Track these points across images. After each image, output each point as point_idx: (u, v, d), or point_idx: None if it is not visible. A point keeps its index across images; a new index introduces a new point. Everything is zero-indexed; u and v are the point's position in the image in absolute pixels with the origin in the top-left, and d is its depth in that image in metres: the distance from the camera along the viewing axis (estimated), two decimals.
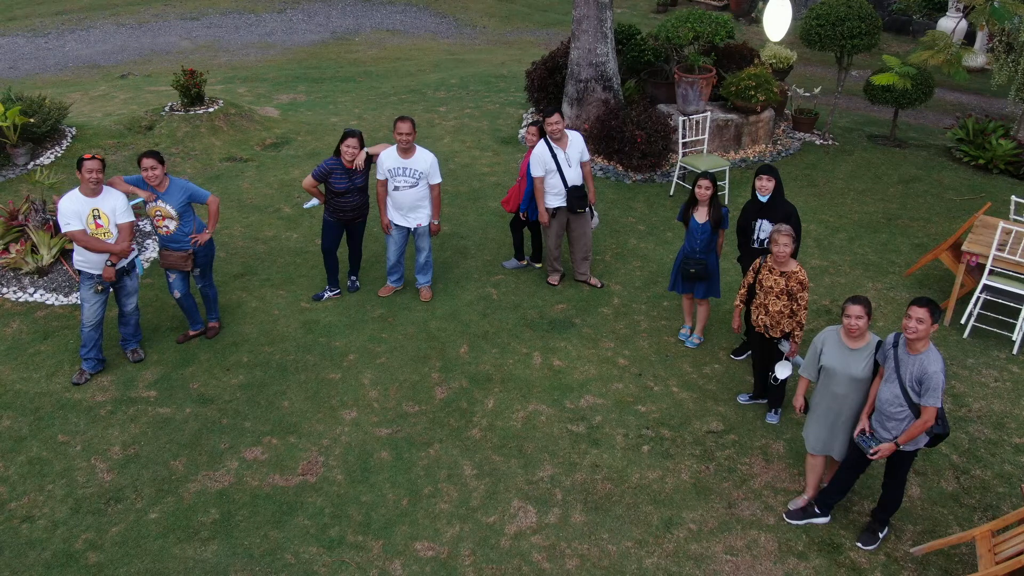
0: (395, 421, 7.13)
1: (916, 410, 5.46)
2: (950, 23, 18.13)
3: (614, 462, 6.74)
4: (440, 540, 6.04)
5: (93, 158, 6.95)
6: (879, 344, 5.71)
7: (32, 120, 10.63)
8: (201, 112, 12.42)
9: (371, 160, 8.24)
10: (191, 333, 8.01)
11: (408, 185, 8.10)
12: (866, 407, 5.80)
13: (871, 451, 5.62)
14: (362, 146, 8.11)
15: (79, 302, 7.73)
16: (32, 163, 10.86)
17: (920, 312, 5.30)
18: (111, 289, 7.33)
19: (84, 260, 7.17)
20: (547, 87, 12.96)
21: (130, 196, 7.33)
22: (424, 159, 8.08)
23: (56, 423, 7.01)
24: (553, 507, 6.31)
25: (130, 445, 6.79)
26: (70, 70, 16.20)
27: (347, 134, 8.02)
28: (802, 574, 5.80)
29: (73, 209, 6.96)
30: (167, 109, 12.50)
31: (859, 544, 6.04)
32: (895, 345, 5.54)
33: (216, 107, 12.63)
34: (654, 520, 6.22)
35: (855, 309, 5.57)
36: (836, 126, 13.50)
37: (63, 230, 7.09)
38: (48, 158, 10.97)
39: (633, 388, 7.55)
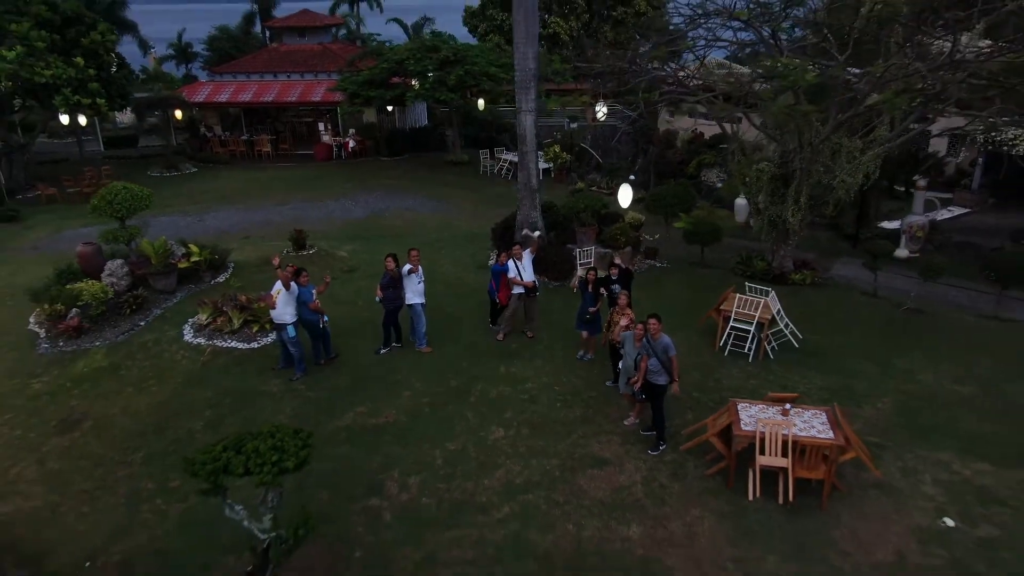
0: (431, 395, 9.76)
1: (666, 368, 8.25)
2: (742, 201, 21.85)
3: (542, 410, 9.43)
4: (457, 443, 8.66)
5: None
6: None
7: (216, 256, 13.62)
8: (304, 253, 15.32)
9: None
10: (322, 361, 10.52)
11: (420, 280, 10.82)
12: (638, 375, 8.32)
13: (635, 390, 8.39)
14: (397, 263, 10.73)
15: (285, 341, 10.03)
16: (212, 280, 13.66)
17: (652, 320, 8.18)
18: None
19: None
20: (504, 237, 15.44)
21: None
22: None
23: (254, 402, 9.55)
24: (512, 428, 8.98)
25: (294, 410, 9.40)
26: (210, 235, 19.00)
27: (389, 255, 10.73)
28: (632, 451, 8.50)
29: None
30: (285, 252, 15.32)
31: (650, 451, 8.46)
32: (648, 341, 8.28)
33: (313, 250, 15.50)
34: (561, 432, 8.90)
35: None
36: (668, 256, 16.05)
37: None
38: (222, 277, 13.78)
39: (552, 379, 10.23)
